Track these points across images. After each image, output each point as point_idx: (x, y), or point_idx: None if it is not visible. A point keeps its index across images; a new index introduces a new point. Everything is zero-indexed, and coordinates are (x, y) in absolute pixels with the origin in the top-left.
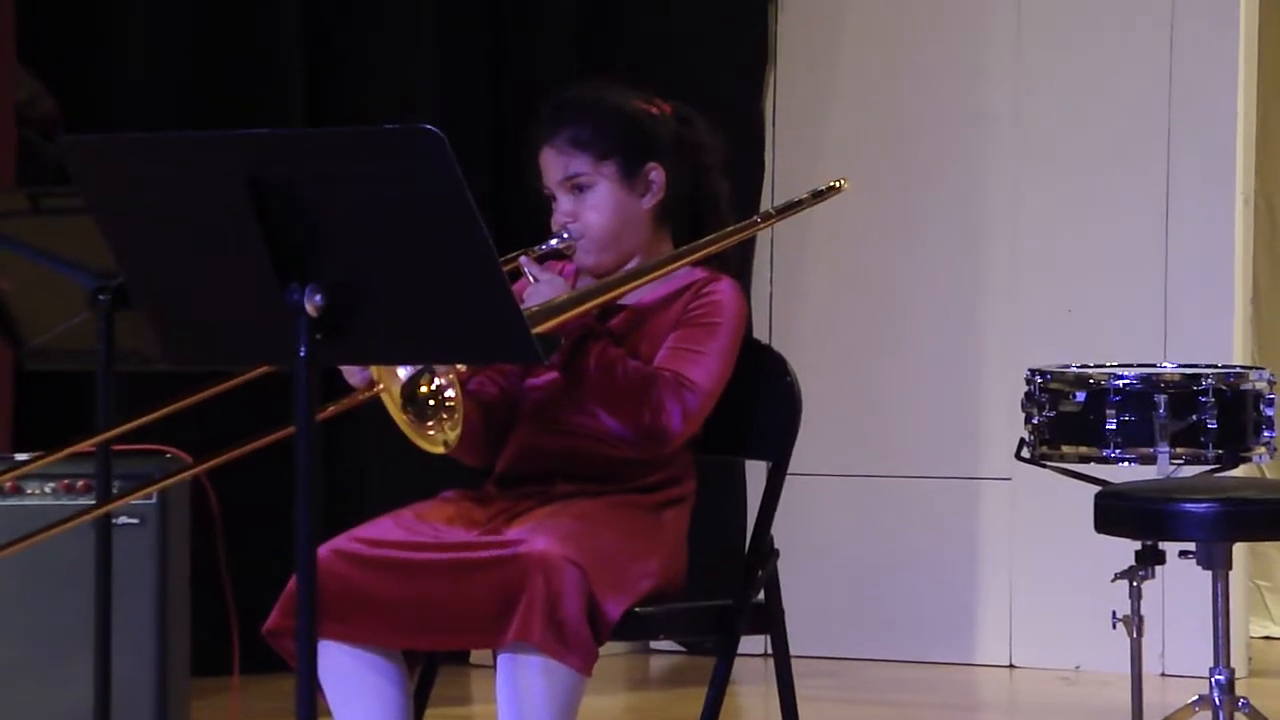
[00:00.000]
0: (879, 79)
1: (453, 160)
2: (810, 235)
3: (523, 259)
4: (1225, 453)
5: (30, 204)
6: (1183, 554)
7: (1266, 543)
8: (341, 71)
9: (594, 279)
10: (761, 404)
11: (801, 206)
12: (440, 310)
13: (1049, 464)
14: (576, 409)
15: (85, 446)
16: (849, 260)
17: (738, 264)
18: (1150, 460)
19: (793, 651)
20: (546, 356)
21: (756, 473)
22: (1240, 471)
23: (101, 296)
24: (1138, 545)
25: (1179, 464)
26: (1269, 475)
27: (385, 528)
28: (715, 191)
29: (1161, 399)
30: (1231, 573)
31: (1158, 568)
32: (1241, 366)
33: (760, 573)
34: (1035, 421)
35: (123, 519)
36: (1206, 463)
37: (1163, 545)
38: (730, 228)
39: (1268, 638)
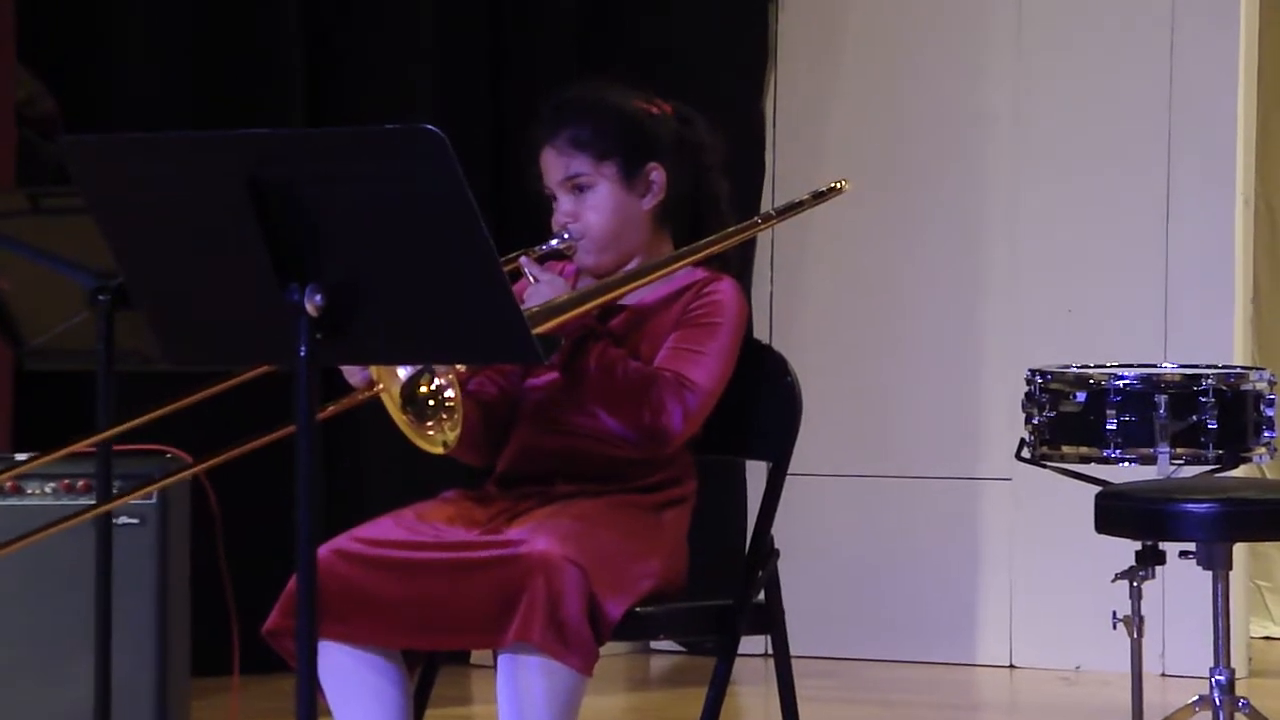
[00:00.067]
0: (879, 79)
1: (453, 160)
2: (811, 235)
3: (523, 259)
4: (1225, 453)
5: (30, 204)
6: (1183, 554)
7: (1266, 543)
8: (341, 71)
9: (594, 279)
10: (762, 404)
11: (802, 207)
12: (440, 310)
13: (1049, 464)
14: (577, 409)
15: (83, 446)
16: (849, 260)
17: (738, 264)
18: (1150, 460)
19: (793, 652)
20: (547, 357)
21: (757, 473)
22: (1240, 472)
23: (101, 296)
24: (1138, 545)
25: (1179, 464)
26: (1269, 475)
27: (385, 528)
28: (716, 192)
29: (1162, 399)
30: (1232, 573)
31: (1158, 568)
32: (1242, 367)
33: (760, 573)
34: (1035, 422)
35: (123, 519)
36: (1207, 463)
37: (1163, 545)
38: (731, 228)
39: (1268, 638)
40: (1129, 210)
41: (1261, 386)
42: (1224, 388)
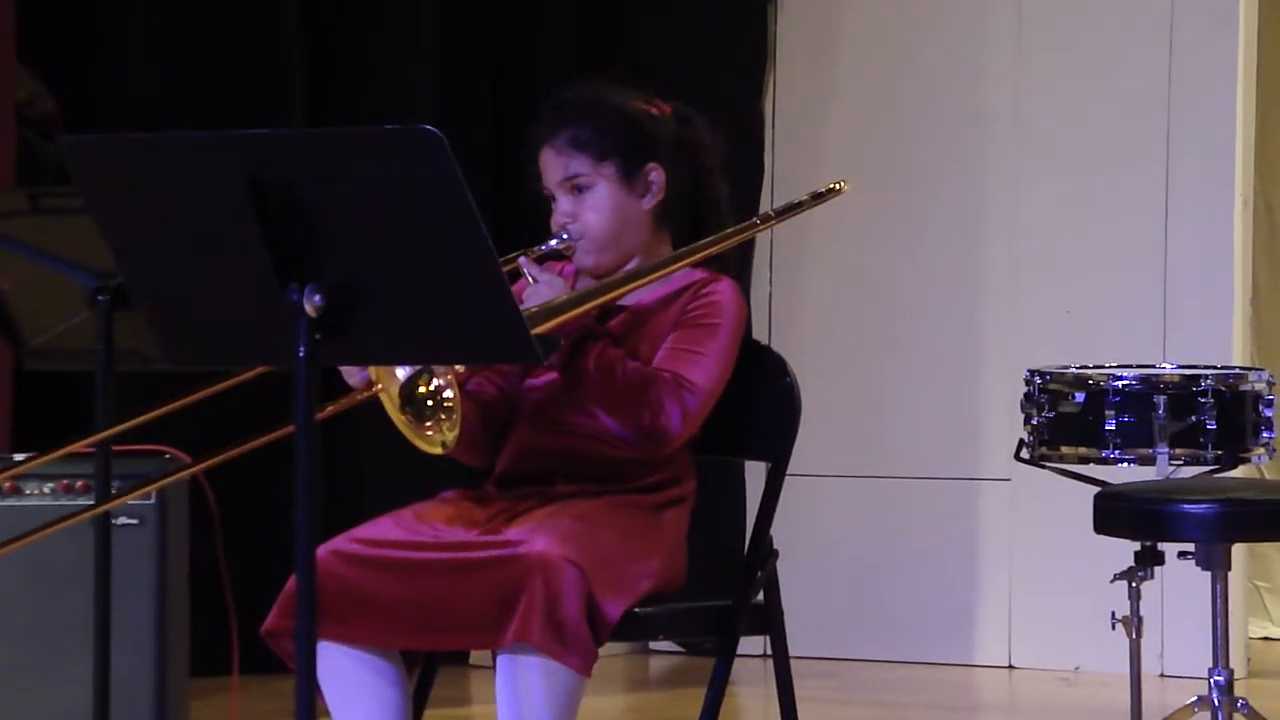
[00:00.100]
0: (879, 79)
1: (452, 161)
2: (810, 236)
3: (522, 260)
4: (1224, 454)
5: (30, 204)
6: (1182, 555)
7: (1265, 543)
8: (341, 71)
9: (593, 280)
10: (761, 404)
11: (801, 208)
12: (440, 311)
13: (1048, 465)
14: (576, 409)
15: (82, 446)
16: (848, 261)
17: (737, 264)
18: (1149, 461)
19: (792, 652)
20: (546, 357)
21: (756, 473)
22: (1239, 472)
23: (101, 296)
24: (1137, 546)
25: (1178, 465)
26: (1268, 476)
27: (384, 528)
28: (715, 192)
29: (1161, 400)
30: (1230, 573)
31: (1157, 568)
32: (1240, 367)
33: (759, 573)
34: (1034, 422)
35: (122, 519)
36: (1205, 464)
37: (1162, 546)
38: (730, 229)
39: (1266, 638)
40: (1128, 210)
41: (1260, 387)
42: (1223, 388)
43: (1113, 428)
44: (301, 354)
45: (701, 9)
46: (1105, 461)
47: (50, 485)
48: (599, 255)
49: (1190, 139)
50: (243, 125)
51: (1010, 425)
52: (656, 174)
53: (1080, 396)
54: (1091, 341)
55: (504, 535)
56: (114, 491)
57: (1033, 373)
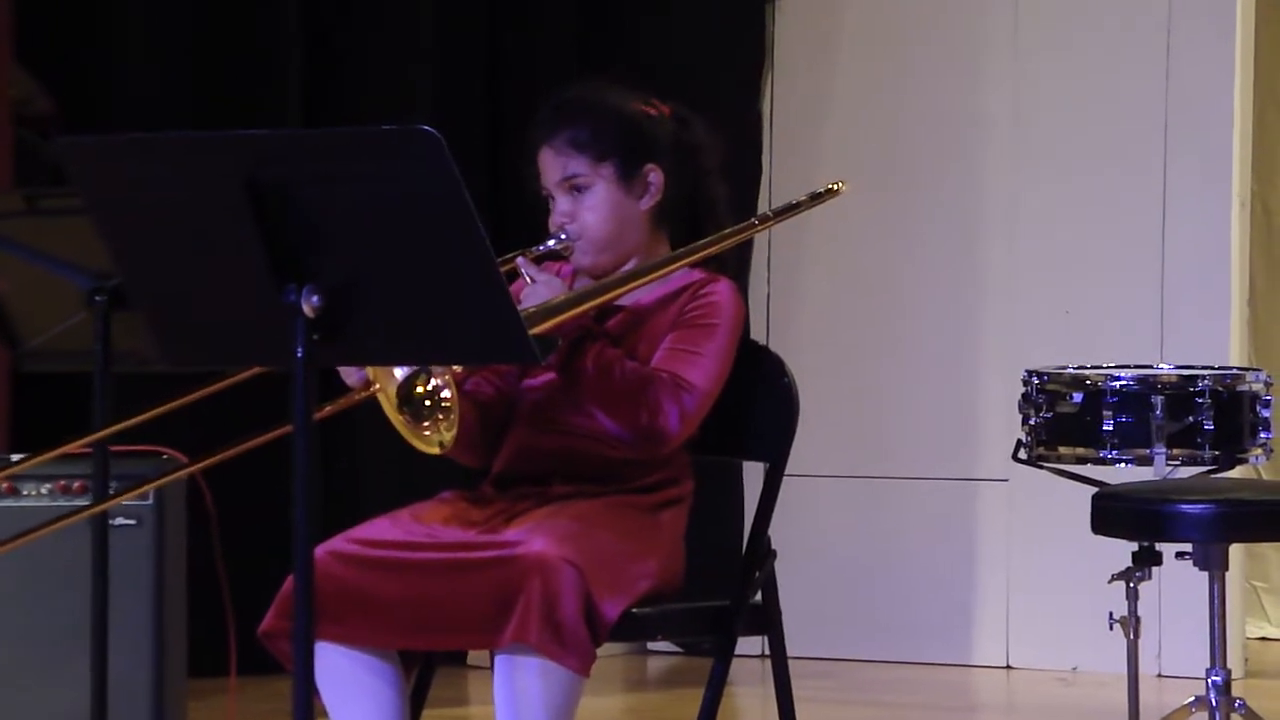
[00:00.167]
0: (877, 80)
1: (450, 161)
2: (808, 236)
3: (520, 260)
4: (1222, 454)
5: (27, 204)
6: (1179, 555)
7: (1263, 544)
8: (341, 71)
9: (591, 280)
10: (759, 405)
11: (799, 209)
12: (438, 311)
13: (1046, 465)
14: (574, 410)
15: (79, 446)
16: (847, 261)
17: (735, 265)
18: (1147, 461)
19: (790, 652)
20: (544, 357)
21: (754, 474)
22: (1237, 473)
23: (98, 297)
24: (1134, 546)
25: (1175, 465)
26: (1265, 476)
27: (382, 528)
28: (713, 193)
29: (1158, 400)
30: (1228, 574)
31: (1154, 569)
32: (1238, 368)
33: (757, 574)
34: (1032, 422)
35: (119, 519)
36: (1203, 464)
37: (1159, 546)
38: (728, 229)
39: (1264, 639)
40: (1126, 211)
41: (1257, 388)
42: (1220, 389)
43: (1110, 428)
44: (299, 354)
45: (700, 9)
46: (1103, 462)
47: (48, 486)
48: (597, 255)
49: (1188, 140)
50: (242, 125)
51: (1008, 425)
52: (655, 175)
53: (1078, 397)
54: (1089, 342)
55: (502, 536)
56: (111, 492)
57: (1030, 373)
